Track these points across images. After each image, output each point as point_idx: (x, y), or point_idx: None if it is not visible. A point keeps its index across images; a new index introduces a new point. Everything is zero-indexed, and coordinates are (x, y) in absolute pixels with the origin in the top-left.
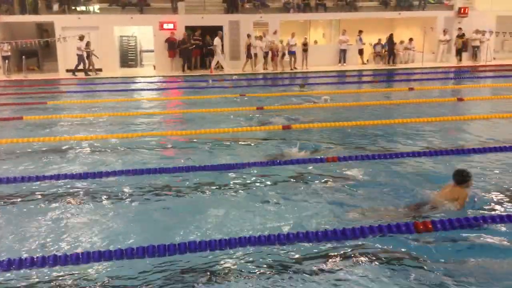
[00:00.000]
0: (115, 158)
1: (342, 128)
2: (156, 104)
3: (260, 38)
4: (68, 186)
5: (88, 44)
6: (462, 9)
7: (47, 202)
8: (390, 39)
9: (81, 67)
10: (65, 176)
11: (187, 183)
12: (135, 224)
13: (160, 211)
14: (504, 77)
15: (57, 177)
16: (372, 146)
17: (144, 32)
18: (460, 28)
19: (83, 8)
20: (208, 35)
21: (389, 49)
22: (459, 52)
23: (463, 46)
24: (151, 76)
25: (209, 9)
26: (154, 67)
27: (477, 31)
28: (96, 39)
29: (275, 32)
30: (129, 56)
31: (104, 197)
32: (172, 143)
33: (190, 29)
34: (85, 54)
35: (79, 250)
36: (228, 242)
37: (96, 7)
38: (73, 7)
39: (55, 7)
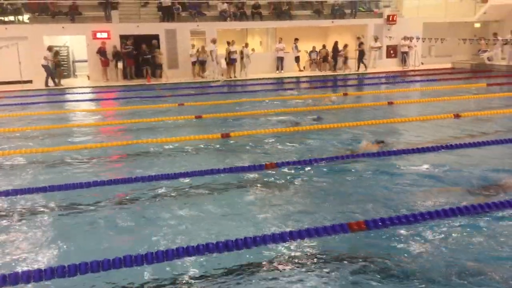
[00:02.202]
0: (43, 173)
1: (284, 133)
2: (91, 115)
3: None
4: None
5: (56, 54)
6: (391, 17)
7: None
8: (335, 46)
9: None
10: None
11: (128, 194)
12: (69, 240)
13: (98, 223)
14: (432, 80)
15: None
16: (311, 151)
17: (79, 41)
18: (358, 37)
19: (11, 18)
20: (144, 44)
21: (334, 56)
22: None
23: (361, 54)
24: (85, 87)
25: (144, 17)
26: (88, 77)
27: (405, 38)
28: (25, 49)
29: (212, 41)
30: (61, 67)
31: (30, 213)
32: (108, 154)
33: (124, 38)
34: (51, 64)
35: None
36: (166, 253)
37: (26, 16)
38: (0, 17)
39: None
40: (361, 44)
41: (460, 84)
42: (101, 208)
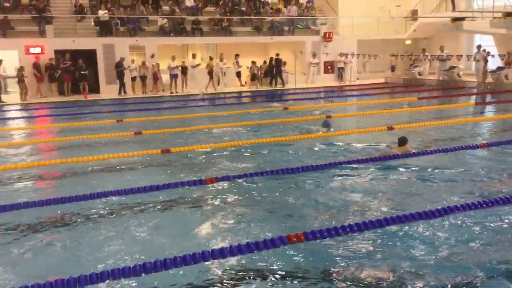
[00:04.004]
0: None
1: (224, 148)
2: (23, 132)
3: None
4: None
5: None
6: (327, 34)
7: None
8: (277, 61)
9: None
10: None
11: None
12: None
13: (41, 247)
14: (367, 95)
15: None
16: (250, 165)
17: (13, 56)
18: (277, 54)
19: None
20: (80, 59)
21: (277, 71)
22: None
23: (279, 71)
24: (17, 104)
25: (80, 32)
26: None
27: (341, 54)
28: None
29: (152, 56)
30: None
31: None
32: (42, 173)
33: (60, 53)
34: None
35: None
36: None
37: None
38: None
39: None
40: (278, 60)
41: (393, 98)
42: (35, 230)
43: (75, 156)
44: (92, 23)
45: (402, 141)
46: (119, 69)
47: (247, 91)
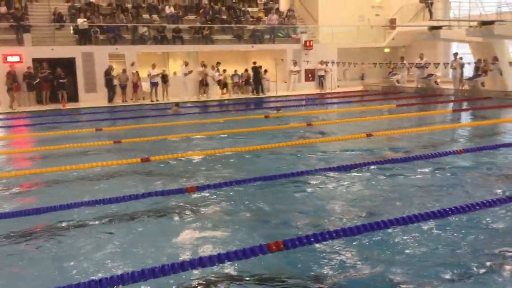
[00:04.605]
0: None
1: (204, 156)
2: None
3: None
4: None
5: None
6: (308, 42)
7: None
8: (254, 69)
9: None
10: None
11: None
12: None
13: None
14: (347, 102)
15: None
16: (231, 174)
17: None
18: (254, 62)
19: None
20: (59, 68)
21: (255, 79)
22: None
23: (258, 79)
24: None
25: (59, 40)
26: None
27: (321, 62)
28: None
29: (132, 64)
30: None
31: None
32: (20, 183)
33: (38, 62)
34: None
35: None
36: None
37: None
38: None
39: None
40: (256, 67)
41: (372, 105)
42: (12, 241)
43: (53, 165)
44: (71, 31)
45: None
46: (108, 77)
47: (229, 99)
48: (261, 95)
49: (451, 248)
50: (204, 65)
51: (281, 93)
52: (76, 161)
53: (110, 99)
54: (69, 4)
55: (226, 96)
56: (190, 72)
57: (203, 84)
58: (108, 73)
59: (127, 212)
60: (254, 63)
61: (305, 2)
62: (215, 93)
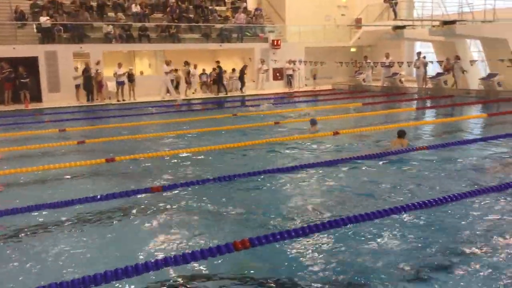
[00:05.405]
0: None
1: (170, 156)
2: None
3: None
4: None
5: None
6: (276, 42)
7: None
8: (218, 68)
9: None
10: None
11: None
12: None
13: None
14: (315, 101)
15: None
16: (197, 173)
17: None
18: (217, 61)
19: None
20: (21, 67)
21: (218, 79)
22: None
23: (220, 78)
24: None
25: (21, 39)
26: None
27: (289, 61)
28: None
29: (97, 63)
30: None
31: None
32: None
33: None
34: None
35: None
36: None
37: None
38: None
39: None
40: (218, 68)
41: (339, 104)
42: None
43: (15, 167)
44: (34, 30)
45: (402, 133)
46: (86, 75)
47: (198, 99)
48: (224, 95)
49: (404, 245)
50: (187, 64)
51: (250, 92)
52: (37, 162)
53: (90, 98)
54: (31, 1)
55: (194, 96)
56: (174, 70)
57: (187, 82)
58: (86, 71)
59: (90, 213)
60: (217, 62)
61: (272, 1)
62: (183, 92)
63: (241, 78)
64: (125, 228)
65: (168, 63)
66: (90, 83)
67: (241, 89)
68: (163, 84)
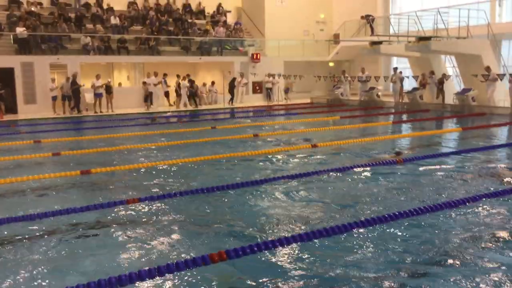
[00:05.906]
0: None
1: (148, 168)
2: None
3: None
4: None
5: None
6: (255, 55)
7: None
8: (190, 82)
9: None
10: None
11: None
12: None
13: None
14: (294, 114)
15: None
16: (175, 185)
17: None
18: (188, 74)
19: None
20: None
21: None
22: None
23: (192, 92)
24: None
25: None
26: None
27: (268, 75)
28: None
29: (74, 75)
30: None
31: None
32: None
33: None
34: None
35: None
36: None
37: None
38: None
39: None
40: (191, 80)
41: (318, 117)
42: None
43: None
44: (11, 41)
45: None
46: (74, 87)
47: (176, 111)
48: (205, 107)
49: (382, 257)
50: (178, 76)
51: (229, 105)
52: (11, 173)
53: (79, 109)
54: (8, 12)
55: (173, 108)
56: (160, 82)
57: (178, 95)
58: (74, 83)
59: (65, 225)
60: (188, 75)
61: (252, 15)
62: (161, 105)
63: (231, 90)
64: (100, 241)
65: (155, 75)
66: (78, 95)
67: (231, 100)
68: (155, 96)
